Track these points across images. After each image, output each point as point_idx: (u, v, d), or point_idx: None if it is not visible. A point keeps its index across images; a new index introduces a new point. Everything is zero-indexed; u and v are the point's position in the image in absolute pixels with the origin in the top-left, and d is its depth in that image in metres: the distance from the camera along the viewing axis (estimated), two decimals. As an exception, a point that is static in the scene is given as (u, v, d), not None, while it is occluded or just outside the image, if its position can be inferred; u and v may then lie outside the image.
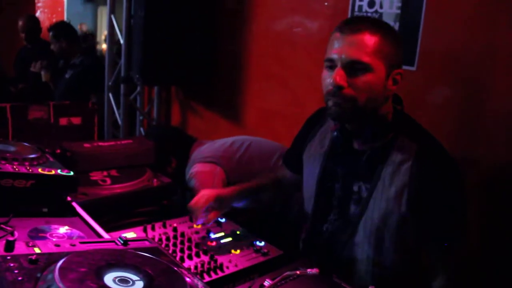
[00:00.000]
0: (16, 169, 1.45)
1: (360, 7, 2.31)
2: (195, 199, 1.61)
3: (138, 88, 3.92)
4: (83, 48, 4.38)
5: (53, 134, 2.70)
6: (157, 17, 3.04)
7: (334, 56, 1.31)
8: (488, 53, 1.88)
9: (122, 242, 1.06)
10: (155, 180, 2.03)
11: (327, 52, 1.35)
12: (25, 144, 1.82)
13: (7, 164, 1.47)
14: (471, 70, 1.95)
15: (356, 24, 1.32)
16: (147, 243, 1.10)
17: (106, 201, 1.88)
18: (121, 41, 3.63)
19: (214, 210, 1.61)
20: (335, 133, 1.46)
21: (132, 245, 1.06)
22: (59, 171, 1.55)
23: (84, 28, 7.58)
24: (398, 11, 2.16)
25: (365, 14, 2.29)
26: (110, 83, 3.84)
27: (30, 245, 0.94)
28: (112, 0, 3.76)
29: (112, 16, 3.75)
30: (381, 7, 2.22)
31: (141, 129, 3.98)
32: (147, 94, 4.09)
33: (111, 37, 3.81)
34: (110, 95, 3.85)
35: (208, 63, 3.27)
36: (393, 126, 1.40)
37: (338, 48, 1.30)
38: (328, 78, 1.33)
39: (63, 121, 2.75)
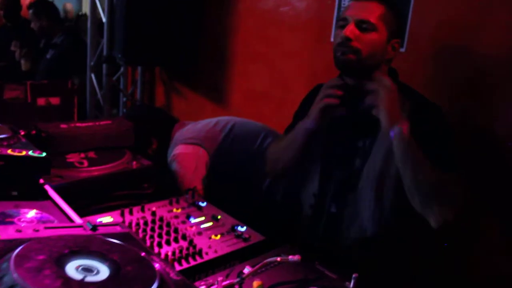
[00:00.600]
0: (-17, 150, 1.38)
1: (349, -15, 2.23)
2: None
3: (122, 69, 3.82)
4: (65, 26, 4.24)
5: (31, 115, 2.59)
6: (140, -5, 2.94)
7: (347, 16, 1.55)
8: (477, 34, 1.82)
9: (90, 227, 0.99)
10: (134, 162, 1.95)
11: (341, 14, 1.60)
12: (-4, 123, 1.74)
13: (-27, 145, 1.40)
14: (460, 51, 1.90)
15: None
16: (118, 228, 1.03)
17: (83, 184, 1.80)
18: (104, 20, 3.51)
19: None
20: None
21: (101, 230, 0.99)
22: (30, 152, 1.47)
23: (69, 7, 7.39)
24: (388, -10, 2.09)
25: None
26: (92, 63, 3.73)
27: (-12, 231, 0.87)
28: (94, -23, 3.64)
29: (95, -6, 3.64)
30: (370, -15, 2.15)
31: (124, 110, 3.89)
32: (131, 75, 3.98)
33: (93, 16, 3.69)
34: (93, 75, 3.75)
35: (193, 43, 3.18)
36: None
37: (351, 10, 1.56)
38: (340, 34, 1.54)
39: (41, 101, 2.64)
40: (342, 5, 2.28)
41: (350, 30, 1.51)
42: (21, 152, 1.46)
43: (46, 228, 0.96)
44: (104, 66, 3.63)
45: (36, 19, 3.99)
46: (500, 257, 1.83)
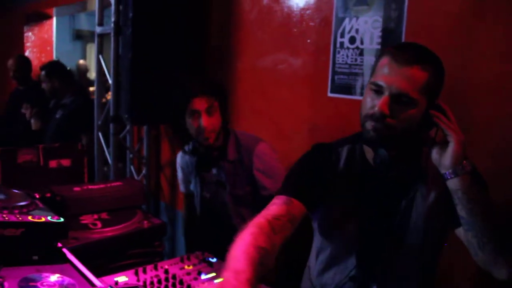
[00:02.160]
0: (6, 218, 1.46)
1: (342, 43, 2.38)
2: None
3: (128, 127, 3.94)
4: (75, 88, 4.41)
5: (43, 177, 2.70)
6: (144, 57, 3.09)
7: (383, 84, 1.34)
8: (468, 82, 1.93)
9: (112, 291, 1.07)
10: (145, 222, 2.05)
11: (375, 75, 1.38)
12: (15, 191, 1.83)
13: (-3, 214, 1.48)
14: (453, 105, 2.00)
15: (409, 54, 1.34)
16: (137, 291, 1.11)
17: (97, 245, 1.89)
18: (109, 81, 3.67)
19: None
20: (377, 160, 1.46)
21: (122, 293, 1.07)
22: (49, 218, 1.56)
23: (81, 62, 7.58)
24: (378, 47, 2.23)
25: (346, 50, 2.36)
26: (99, 122, 3.86)
27: (20, 299, 0.95)
28: (100, 40, 3.82)
29: (100, 56, 3.81)
30: (361, 43, 2.29)
31: (132, 167, 4.00)
32: (137, 132, 4.11)
33: (100, 77, 3.86)
34: (100, 134, 3.87)
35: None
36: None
37: (388, 76, 1.33)
38: (371, 102, 1.37)
39: (52, 163, 2.75)
40: (337, 62, 2.41)
41: (386, 104, 1.32)
42: (40, 218, 1.55)
43: (72, 294, 1.04)
44: (111, 125, 3.76)
45: (47, 80, 4.15)
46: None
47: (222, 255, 1.82)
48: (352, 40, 2.34)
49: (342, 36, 2.38)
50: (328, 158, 1.56)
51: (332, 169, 1.54)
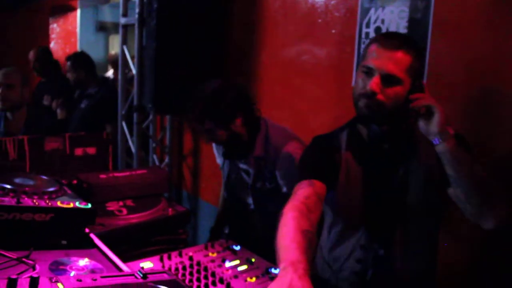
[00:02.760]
0: (36, 203, 1.50)
1: (367, 34, 2.36)
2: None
3: (151, 117, 3.99)
4: (99, 78, 4.46)
5: (69, 165, 2.74)
6: (169, 48, 3.11)
7: (373, 66, 1.50)
8: (495, 75, 1.90)
9: (141, 275, 1.09)
10: (170, 209, 2.07)
11: (365, 59, 1.55)
12: (44, 177, 1.87)
13: (26, 198, 1.52)
14: (478, 90, 1.98)
15: (393, 40, 1.52)
16: (165, 276, 1.13)
17: (123, 231, 1.92)
18: (134, 71, 3.71)
19: None
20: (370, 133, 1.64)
21: (151, 278, 1.09)
22: (77, 203, 1.59)
23: (113, 53, 7.62)
24: (405, 37, 2.20)
25: (372, 40, 2.34)
26: (123, 112, 3.91)
27: (53, 281, 0.98)
28: (124, 31, 3.86)
29: (124, 47, 3.85)
30: (387, 33, 2.27)
31: (154, 156, 4.04)
32: (160, 122, 4.15)
33: (124, 68, 3.90)
34: (124, 123, 3.92)
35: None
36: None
37: (377, 60, 1.50)
38: (362, 82, 1.53)
39: (78, 151, 2.79)
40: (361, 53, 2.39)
41: (376, 83, 1.48)
42: (69, 204, 1.58)
43: (102, 277, 1.06)
44: (134, 114, 3.80)
45: (73, 70, 4.21)
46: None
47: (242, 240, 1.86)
48: (378, 30, 2.32)
49: (368, 26, 2.36)
50: (331, 144, 1.71)
51: (337, 152, 1.69)
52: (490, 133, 1.95)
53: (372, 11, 2.34)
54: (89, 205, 1.59)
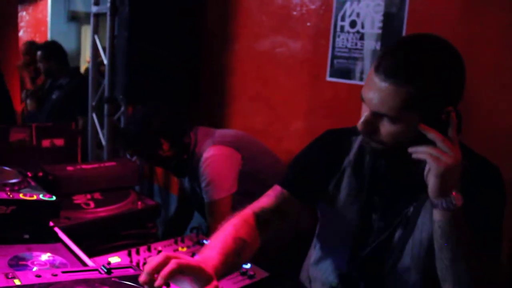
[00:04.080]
0: (-4, 195, 1.43)
1: (342, 27, 2.34)
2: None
3: (122, 108, 3.90)
4: (70, 69, 4.35)
5: (36, 156, 2.65)
6: (141, 38, 3.04)
7: (364, 99, 1.22)
8: (469, 67, 1.90)
9: (105, 270, 1.04)
10: (139, 202, 2.02)
11: (365, 82, 1.25)
12: (6, 168, 1.80)
13: (-13, 190, 1.45)
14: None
15: (389, 64, 1.16)
16: (131, 271, 1.08)
17: (90, 225, 1.87)
18: (105, 62, 3.61)
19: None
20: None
21: (116, 273, 1.04)
22: (41, 195, 1.53)
23: None
24: (380, 31, 2.19)
25: (347, 34, 2.32)
26: (93, 103, 3.81)
27: (9, 276, 0.93)
28: (95, 20, 3.76)
29: (96, 36, 3.75)
30: (362, 27, 2.26)
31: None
32: (131, 114, 4.06)
33: (94, 57, 3.80)
34: (94, 115, 3.83)
35: (192, 83, 3.27)
36: None
37: (368, 92, 1.20)
38: (362, 113, 1.24)
39: (45, 142, 2.71)
40: (336, 46, 2.37)
41: (366, 124, 1.21)
42: (32, 196, 1.52)
43: (63, 272, 1.01)
44: (105, 106, 3.71)
45: (44, 61, 4.10)
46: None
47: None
48: (353, 24, 2.30)
49: (343, 19, 2.34)
50: (339, 146, 1.45)
51: (341, 157, 1.44)
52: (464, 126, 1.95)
53: (347, 4, 2.32)
54: (54, 198, 1.54)
